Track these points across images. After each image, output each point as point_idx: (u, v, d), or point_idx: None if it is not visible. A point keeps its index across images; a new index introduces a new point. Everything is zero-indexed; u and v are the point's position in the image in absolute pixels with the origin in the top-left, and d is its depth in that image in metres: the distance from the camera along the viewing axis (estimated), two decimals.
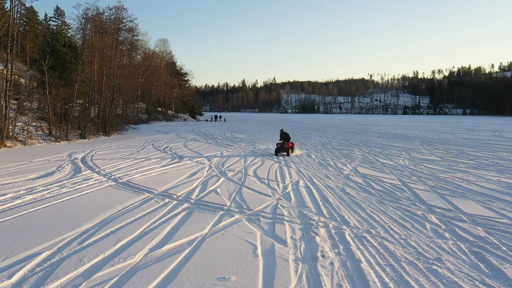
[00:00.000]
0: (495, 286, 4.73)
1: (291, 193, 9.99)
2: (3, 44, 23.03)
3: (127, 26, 40.78)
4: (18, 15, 32.64)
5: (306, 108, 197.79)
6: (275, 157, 17.87)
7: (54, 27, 50.56)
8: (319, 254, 5.72)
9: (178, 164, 15.41)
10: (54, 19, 55.37)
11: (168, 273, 5.00)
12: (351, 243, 6.21)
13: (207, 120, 74.96)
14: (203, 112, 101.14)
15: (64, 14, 54.71)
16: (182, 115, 74.69)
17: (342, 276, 4.97)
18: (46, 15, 59.41)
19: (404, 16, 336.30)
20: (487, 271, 5.17)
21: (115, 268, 5.12)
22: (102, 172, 13.10)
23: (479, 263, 5.44)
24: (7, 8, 27.70)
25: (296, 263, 5.40)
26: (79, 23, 37.20)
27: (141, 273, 4.97)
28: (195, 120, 74.43)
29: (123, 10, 37.70)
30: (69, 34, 36.46)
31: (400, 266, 5.27)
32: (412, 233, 6.73)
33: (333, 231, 6.84)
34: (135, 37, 52.15)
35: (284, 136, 19.09)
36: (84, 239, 6.24)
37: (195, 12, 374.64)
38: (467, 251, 5.87)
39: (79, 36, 39.77)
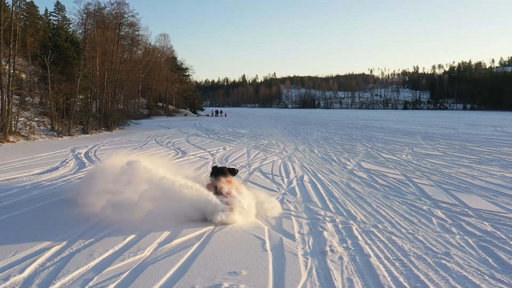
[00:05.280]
0: (505, 280, 4.75)
1: (296, 188, 10.01)
2: (5, 39, 22.90)
3: (129, 21, 40.69)
4: (19, 10, 32.53)
5: (307, 103, 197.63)
6: (278, 152, 17.79)
7: (55, 22, 50.40)
8: (327, 248, 5.74)
9: (181, 159, 15.42)
10: (54, 14, 55.16)
11: (178, 268, 5.02)
12: (359, 237, 6.23)
13: (208, 115, 74.79)
14: (204, 107, 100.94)
15: (65, 9, 54.51)
16: (183, 110, 74.64)
17: (352, 271, 4.99)
18: (46, 10, 59.15)
19: (404, 11, 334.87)
20: (496, 265, 5.19)
21: (125, 262, 5.14)
22: None
23: (487, 257, 5.45)
24: (8, 3, 27.59)
25: (305, 257, 5.42)
26: (80, 18, 36.99)
27: (152, 268, 4.99)
28: (196, 115, 74.35)
29: (125, 5, 37.60)
30: (69, 30, 36.36)
31: (409, 261, 5.29)
32: (419, 228, 6.74)
33: (340, 225, 6.86)
34: (136, 32, 51.94)
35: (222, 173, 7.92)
36: (93, 233, 6.26)
37: (195, 7, 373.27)
38: (475, 246, 5.89)
39: (80, 31, 39.64)
